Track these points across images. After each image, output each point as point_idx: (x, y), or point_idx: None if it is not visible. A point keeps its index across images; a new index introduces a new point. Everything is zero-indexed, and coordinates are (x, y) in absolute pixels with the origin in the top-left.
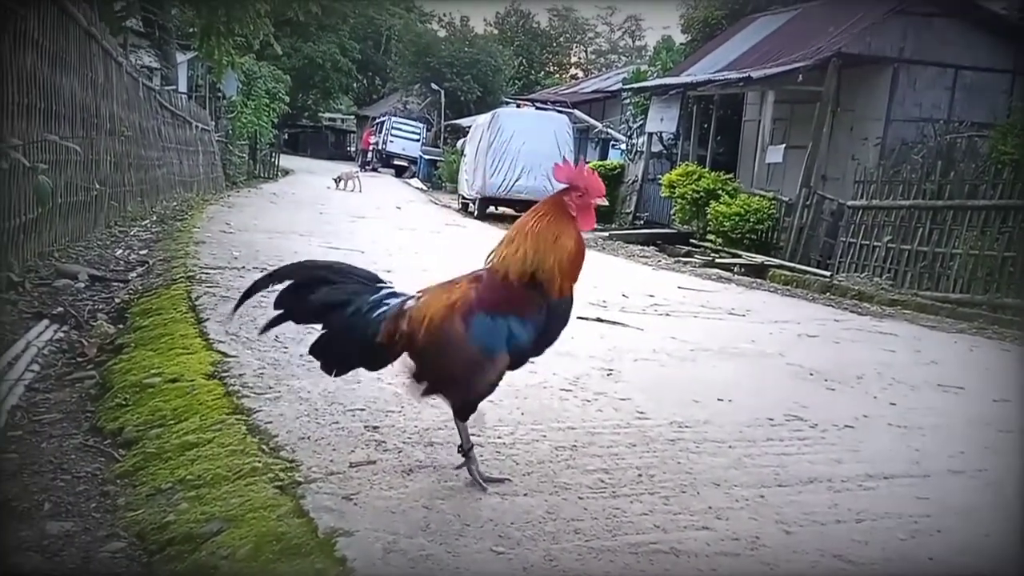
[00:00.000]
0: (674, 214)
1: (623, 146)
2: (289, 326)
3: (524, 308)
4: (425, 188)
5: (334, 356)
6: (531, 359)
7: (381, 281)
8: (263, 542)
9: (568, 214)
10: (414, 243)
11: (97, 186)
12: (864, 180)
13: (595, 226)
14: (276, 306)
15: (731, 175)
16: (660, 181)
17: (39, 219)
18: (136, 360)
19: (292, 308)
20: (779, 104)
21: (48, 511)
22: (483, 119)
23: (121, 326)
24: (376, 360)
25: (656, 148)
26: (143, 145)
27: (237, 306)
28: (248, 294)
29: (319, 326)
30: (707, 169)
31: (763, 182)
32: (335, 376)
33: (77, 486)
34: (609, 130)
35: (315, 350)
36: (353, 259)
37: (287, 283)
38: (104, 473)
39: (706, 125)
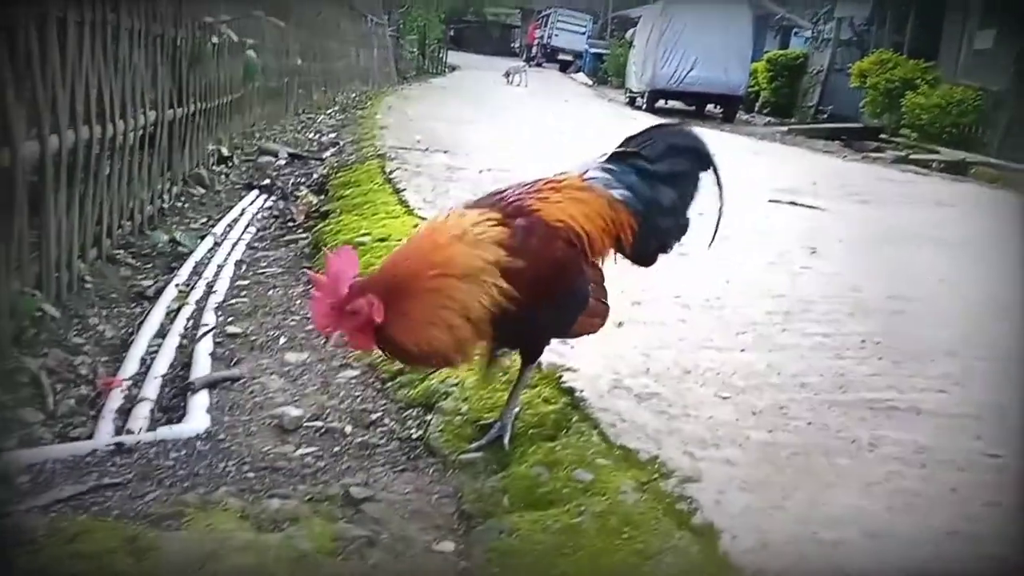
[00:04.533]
0: (863, 107)
1: (808, 34)
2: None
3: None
4: (591, 83)
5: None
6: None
7: None
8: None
9: None
10: (591, 132)
11: (299, 61)
12: None
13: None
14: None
15: (932, 63)
16: (849, 71)
17: (243, 99)
18: (344, 223)
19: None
20: None
21: (285, 344)
22: (654, 8)
23: (323, 196)
24: None
25: (845, 35)
26: (324, 36)
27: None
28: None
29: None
30: (904, 57)
31: (968, 71)
32: None
33: (306, 325)
34: (791, 16)
35: None
36: (533, 143)
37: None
38: None
39: (904, 7)
